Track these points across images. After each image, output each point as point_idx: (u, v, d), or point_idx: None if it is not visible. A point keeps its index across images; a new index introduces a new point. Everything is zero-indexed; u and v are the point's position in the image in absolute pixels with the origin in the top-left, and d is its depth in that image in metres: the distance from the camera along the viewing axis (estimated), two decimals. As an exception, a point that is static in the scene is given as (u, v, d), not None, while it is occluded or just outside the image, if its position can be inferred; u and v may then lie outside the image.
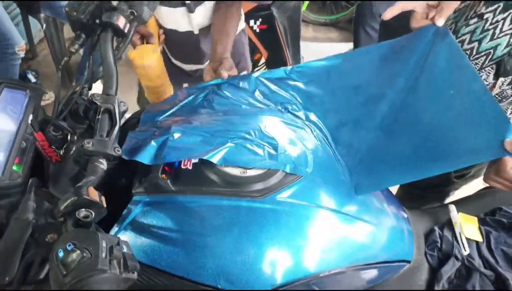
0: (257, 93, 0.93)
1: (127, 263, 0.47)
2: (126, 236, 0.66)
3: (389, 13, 0.87)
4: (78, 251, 0.43)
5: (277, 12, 2.21)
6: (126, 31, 0.79)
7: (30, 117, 0.72)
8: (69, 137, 0.75)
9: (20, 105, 0.72)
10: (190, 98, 0.95)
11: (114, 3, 0.77)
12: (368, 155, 0.79)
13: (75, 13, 0.74)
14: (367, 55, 0.91)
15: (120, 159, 0.68)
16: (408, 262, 0.80)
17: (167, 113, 0.91)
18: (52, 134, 0.73)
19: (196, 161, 0.72)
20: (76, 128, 0.79)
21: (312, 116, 0.89)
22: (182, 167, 0.72)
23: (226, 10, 1.20)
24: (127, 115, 0.82)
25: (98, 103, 0.71)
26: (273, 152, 0.73)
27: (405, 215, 0.86)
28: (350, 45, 2.93)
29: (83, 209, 0.49)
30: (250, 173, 0.70)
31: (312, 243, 0.66)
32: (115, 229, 0.66)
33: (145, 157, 0.70)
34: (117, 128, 0.69)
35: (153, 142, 0.73)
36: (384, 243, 0.77)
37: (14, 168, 0.65)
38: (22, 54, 2.09)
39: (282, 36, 2.33)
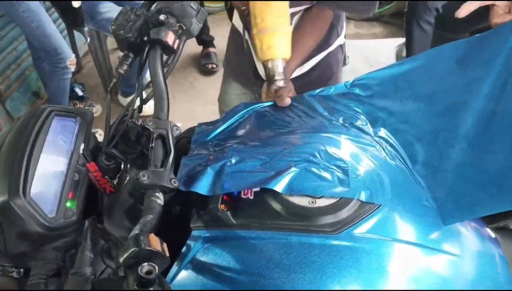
0: (317, 109, 0.85)
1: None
2: (187, 276, 0.60)
3: (465, 9, 0.76)
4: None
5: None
6: (175, 47, 0.73)
7: (82, 146, 0.68)
8: (122, 165, 0.70)
9: (71, 134, 0.68)
10: (245, 115, 0.89)
11: (162, 17, 0.72)
12: (454, 175, 0.69)
13: (121, 31, 0.70)
14: (439, 58, 0.80)
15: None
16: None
17: (220, 130, 0.86)
18: (104, 163, 0.69)
19: (258, 189, 0.65)
20: (128, 154, 0.75)
21: (382, 132, 0.79)
22: (243, 196, 0.65)
23: (314, 18, 1.01)
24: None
25: (151, 129, 0.66)
26: (343, 176, 0.64)
27: (493, 236, 0.75)
28: (397, 41, 2.76)
29: (146, 263, 0.43)
30: (320, 202, 0.62)
31: (396, 285, 0.57)
32: (174, 268, 0.61)
33: (203, 187, 0.64)
34: (171, 157, 0.64)
35: (209, 170, 0.67)
36: (474, 275, 0.66)
37: (68, 204, 0.61)
38: (72, 68, 2.13)
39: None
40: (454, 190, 0.67)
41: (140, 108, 0.79)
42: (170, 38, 0.72)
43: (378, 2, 1.00)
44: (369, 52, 2.60)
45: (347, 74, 2.48)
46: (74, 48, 2.61)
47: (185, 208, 0.72)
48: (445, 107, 0.76)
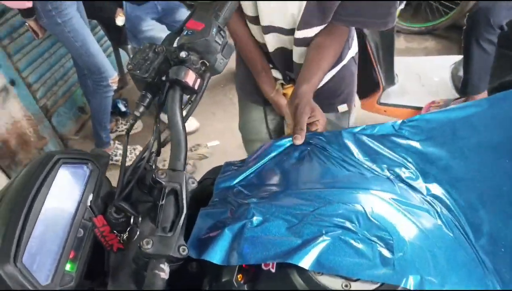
0: (356, 153, 0.73)
1: None
2: None
3: None
4: None
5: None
6: (196, 87, 0.66)
7: (90, 197, 0.62)
8: (132, 219, 0.63)
9: (80, 184, 0.62)
10: (274, 155, 0.80)
11: (183, 54, 0.65)
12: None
13: (138, 71, 0.63)
14: (509, 103, 0.67)
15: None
16: None
17: (246, 175, 0.77)
18: (113, 217, 0.62)
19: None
20: (142, 203, 0.68)
21: (435, 189, 0.66)
22: (264, 267, 0.56)
23: (331, 35, 0.96)
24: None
25: (163, 183, 0.59)
26: (387, 253, 0.53)
27: None
28: (452, 58, 2.55)
29: None
30: (356, 286, 0.51)
31: None
32: None
33: (217, 254, 0.55)
34: (183, 218, 0.56)
35: (227, 232, 0.58)
36: None
37: (68, 267, 0.54)
38: (115, 86, 2.15)
39: (373, 53, 2.08)
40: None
41: (158, 151, 0.72)
42: (190, 78, 0.64)
43: (396, 13, 0.91)
44: (421, 70, 2.40)
45: (396, 94, 2.31)
46: (119, 65, 2.67)
47: (201, 266, 0.64)
48: (517, 163, 0.62)
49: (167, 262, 0.52)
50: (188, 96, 0.71)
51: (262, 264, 0.56)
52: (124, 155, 0.69)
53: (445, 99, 2.09)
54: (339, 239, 0.55)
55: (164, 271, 0.51)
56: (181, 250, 0.53)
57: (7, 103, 2.01)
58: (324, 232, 0.56)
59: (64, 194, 0.60)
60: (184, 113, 0.68)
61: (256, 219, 0.60)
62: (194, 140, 2.47)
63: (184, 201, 0.57)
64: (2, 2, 1.74)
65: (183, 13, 2.35)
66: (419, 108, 2.21)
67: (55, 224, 0.57)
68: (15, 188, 0.57)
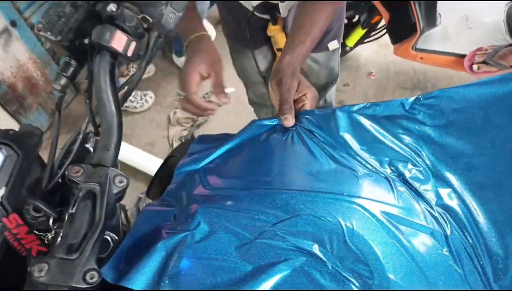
0: (350, 139, 0.56)
1: None
2: None
3: None
4: None
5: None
6: (131, 53, 0.49)
7: (1, 192, 0.50)
8: (50, 221, 0.51)
9: (-10, 174, 0.50)
10: (252, 136, 0.64)
11: (112, 8, 0.47)
12: None
13: (49, 33, 0.47)
14: None
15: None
16: None
17: (213, 157, 0.62)
18: (31, 216, 0.51)
19: None
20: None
21: (449, 197, 0.49)
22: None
23: None
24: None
25: (78, 183, 0.45)
26: (359, 297, 0.38)
27: None
28: (512, -6, 2.14)
29: None
30: None
31: None
32: None
33: (141, 278, 0.43)
34: (97, 233, 0.43)
35: (159, 247, 0.45)
36: None
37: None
38: None
39: (411, -13, 1.76)
40: None
41: (95, 131, 0.58)
42: (118, 41, 0.47)
43: None
44: (469, 9, 2.04)
45: (436, 39, 1.99)
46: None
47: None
48: None
49: (68, 292, 0.40)
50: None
51: None
52: (56, 132, 0.55)
53: (494, 46, 1.77)
54: (300, 271, 0.41)
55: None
56: (88, 277, 0.41)
57: (10, 46, 1.91)
58: (283, 258, 0.42)
59: (-35, 189, 0.48)
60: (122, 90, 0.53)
61: (200, 230, 0.46)
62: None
63: (102, 210, 0.44)
64: None
65: None
66: (463, 56, 1.91)
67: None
68: None
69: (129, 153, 1.85)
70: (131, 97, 2.21)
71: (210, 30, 2.52)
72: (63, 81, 0.51)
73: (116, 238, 0.55)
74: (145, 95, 2.22)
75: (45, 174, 0.54)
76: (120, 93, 0.54)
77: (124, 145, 1.88)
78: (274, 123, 0.63)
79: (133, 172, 1.81)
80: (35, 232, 0.51)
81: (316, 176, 0.52)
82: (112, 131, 0.49)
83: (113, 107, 0.49)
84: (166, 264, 0.44)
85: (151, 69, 2.41)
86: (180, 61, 2.36)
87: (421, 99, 0.55)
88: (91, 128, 0.56)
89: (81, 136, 0.55)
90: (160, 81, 2.36)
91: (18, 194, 0.52)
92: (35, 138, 0.57)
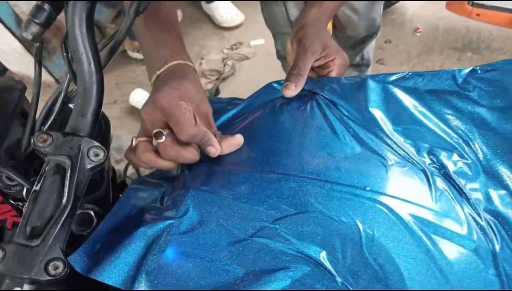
0: (381, 118, 0.45)
1: None
2: None
3: None
4: None
5: None
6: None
7: (-29, 154, 0.44)
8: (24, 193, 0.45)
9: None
10: (265, 102, 0.55)
11: None
12: None
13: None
14: None
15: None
16: None
17: (226, 119, 0.54)
18: (4, 184, 0.45)
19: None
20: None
21: (503, 202, 0.38)
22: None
23: None
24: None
25: (45, 154, 0.38)
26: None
27: None
28: None
29: None
30: None
31: None
32: None
33: (113, 273, 0.36)
34: (65, 214, 0.36)
35: (139, 234, 0.38)
36: None
37: None
38: None
39: None
40: None
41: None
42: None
43: None
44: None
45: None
46: None
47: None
48: None
49: (28, 284, 0.35)
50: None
51: None
52: (36, 93, 0.48)
53: None
54: (302, 284, 0.33)
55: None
56: (51, 267, 0.35)
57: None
58: (282, 265, 0.34)
59: None
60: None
61: (188, 218, 0.39)
62: (237, 37, 2.18)
63: (72, 188, 0.37)
64: None
65: None
66: (527, 14, 1.66)
67: None
68: None
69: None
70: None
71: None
72: (34, 28, 0.42)
73: (102, 212, 0.49)
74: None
75: (24, 135, 0.48)
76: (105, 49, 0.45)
77: (142, 93, 1.82)
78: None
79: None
80: (11, 201, 0.46)
81: (335, 161, 0.42)
82: (89, 93, 0.40)
83: (91, 65, 0.40)
84: (144, 257, 0.37)
85: (178, 16, 2.29)
86: (209, 8, 2.22)
87: (479, 72, 0.43)
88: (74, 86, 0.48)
89: (62, 95, 0.47)
90: (187, 28, 2.24)
91: (4, 155, 0.46)
92: (16, 94, 0.50)
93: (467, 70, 0.44)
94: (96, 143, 0.39)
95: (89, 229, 0.45)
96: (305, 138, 0.46)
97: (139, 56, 2.09)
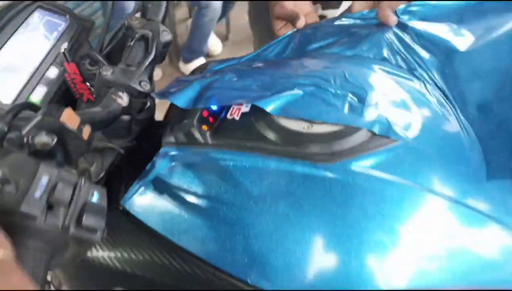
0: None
1: (82, 216, 0.30)
2: (145, 195, 0.50)
3: None
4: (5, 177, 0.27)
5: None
6: None
7: (65, 45, 0.61)
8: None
9: (56, 31, 0.61)
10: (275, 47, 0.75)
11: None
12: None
13: None
14: None
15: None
16: None
17: (236, 61, 0.74)
18: (86, 68, 0.61)
19: (247, 109, 0.52)
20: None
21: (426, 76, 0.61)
22: (229, 116, 0.53)
23: None
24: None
25: (134, 29, 0.57)
26: (357, 103, 0.49)
27: None
28: None
29: (44, 134, 0.33)
30: (318, 128, 0.48)
31: (402, 241, 0.41)
32: (135, 187, 0.51)
33: (181, 99, 0.53)
34: (150, 58, 0.54)
35: (195, 84, 0.56)
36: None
37: (33, 97, 0.54)
38: None
39: None
40: (506, 138, 0.49)
41: (144, 13, 0.69)
42: None
43: None
44: None
45: None
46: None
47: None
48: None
49: (126, 92, 0.51)
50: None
51: (228, 114, 0.54)
52: (109, 14, 0.67)
53: None
54: (310, 94, 0.52)
55: (121, 98, 0.49)
56: (142, 84, 0.51)
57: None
58: (296, 87, 0.53)
59: (38, 36, 0.59)
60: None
61: (228, 76, 0.58)
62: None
63: (154, 46, 0.55)
64: None
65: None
66: None
67: (23, 60, 0.56)
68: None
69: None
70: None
71: (217, 45, 2.70)
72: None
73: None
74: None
75: (99, 43, 0.65)
76: None
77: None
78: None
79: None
80: (87, 84, 0.62)
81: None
82: (161, 5, 0.61)
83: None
84: (201, 92, 0.55)
85: (157, 74, 2.56)
86: (187, 68, 2.51)
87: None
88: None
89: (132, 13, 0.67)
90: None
91: (77, 51, 0.63)
92: (89, 23, 0.69)
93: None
94: (167, 28, 0.59)
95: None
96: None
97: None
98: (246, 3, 1.22)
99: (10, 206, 0.26)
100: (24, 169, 0.28)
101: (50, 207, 0.28)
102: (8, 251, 0.24)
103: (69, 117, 0.36)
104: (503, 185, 0.46)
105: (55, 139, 0.33)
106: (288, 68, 0.60)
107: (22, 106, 0.38)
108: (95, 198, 0.32)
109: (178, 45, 2.59)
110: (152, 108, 0.57)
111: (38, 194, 0.27)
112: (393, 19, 0.61)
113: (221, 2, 2.33)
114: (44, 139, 0.33)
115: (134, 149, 0.58)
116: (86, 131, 0.37)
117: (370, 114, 0.48)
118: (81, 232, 0.29)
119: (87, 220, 0.29)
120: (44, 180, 0.28)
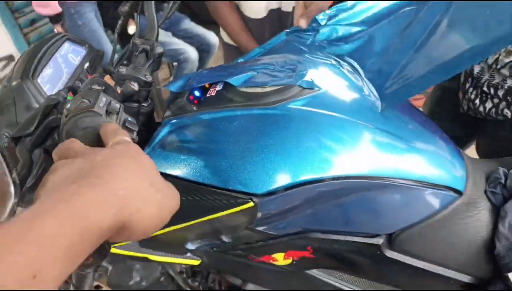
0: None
1: (126, 122, 0.52)
2: (156, 156, 0.70)
3: None
4: (81, 99, 0.49)
5: None
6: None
7: (87, 64, 0.85)
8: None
9: (80, 56, 0.86)
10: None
11: None
12: (398, 73, 0.74)
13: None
14: None
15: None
16: (459, 193, 0.70)
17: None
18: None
19: (220, 88, 0.76)
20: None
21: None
22: (207, 95, 0.77)
23: None
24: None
25: (138, 45, 0.82)
26: (291, 73, 0.74)
27: (456, 148, 0.77)
28: None
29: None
30: (266, 89, 0.71)
31: (327, 146, 0.63)
32: (146, 150, 0.72)
33: (173, 86, 0.77)
34: (150, 62, 0.78)
35: (185, 76, 0.80)
36: (423, 162, 0.68)
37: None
38: None
39: None
40: (394, 82, 0.73)
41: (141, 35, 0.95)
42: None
43: None
44: None
45: None
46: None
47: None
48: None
49: (135, 81, 0.74)
50: None
51: (207, 94, 0.77)
52: (114, 47, 0.92)
53: None
54: (261, 72, 0.76)
55: (134, 85, 0.73)
56: (147, 76, 0.75)
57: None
58: (251, 71, 0.77)
59: (68, 59, 0.83)
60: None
61: (208, 70, 0.82)
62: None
63: (153, 55, 0.80)
64: (37, 10, 2.10)
65: (187, 24, 2.69)
66: None
67: (57, 74, 0.80)
68: (31, 50, 0.80)
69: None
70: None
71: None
72: (126, 7, 0.90)
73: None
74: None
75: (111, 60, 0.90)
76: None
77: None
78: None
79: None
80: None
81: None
82: (153, 28, 0.86)
83: (153, 14, 0.88)
84: (188, 80, 0.78)
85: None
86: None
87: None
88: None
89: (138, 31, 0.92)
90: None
91: (94, 69, 0.87)
92: (101, 53, 0.94)
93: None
94: (160, 45, 0.84)
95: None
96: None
97: None
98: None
99: (88, 108, 0.48)
100: (93, 94, 0.51)
101: (108, 113, 0.50)
102: (130, 137, 0.42)
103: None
104: (394, 113, 0.70)
105: (103, 86, 0.56)
106: (248, 63, 0.85)
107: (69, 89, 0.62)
108: (130, 118, 0.54)
109: (162, 100, 2.86)
110: (152, 105, 0.80)
111: (101, 104, 0.49)
112: (303, 23, 0.88)
113: (196, 53, 2.66)
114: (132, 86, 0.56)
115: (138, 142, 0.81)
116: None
117: (300, 76, 0.72)
118: (125, 130, 0.51)
119: (129, 124, 0.51)
120: (103, 99, 0.50)
